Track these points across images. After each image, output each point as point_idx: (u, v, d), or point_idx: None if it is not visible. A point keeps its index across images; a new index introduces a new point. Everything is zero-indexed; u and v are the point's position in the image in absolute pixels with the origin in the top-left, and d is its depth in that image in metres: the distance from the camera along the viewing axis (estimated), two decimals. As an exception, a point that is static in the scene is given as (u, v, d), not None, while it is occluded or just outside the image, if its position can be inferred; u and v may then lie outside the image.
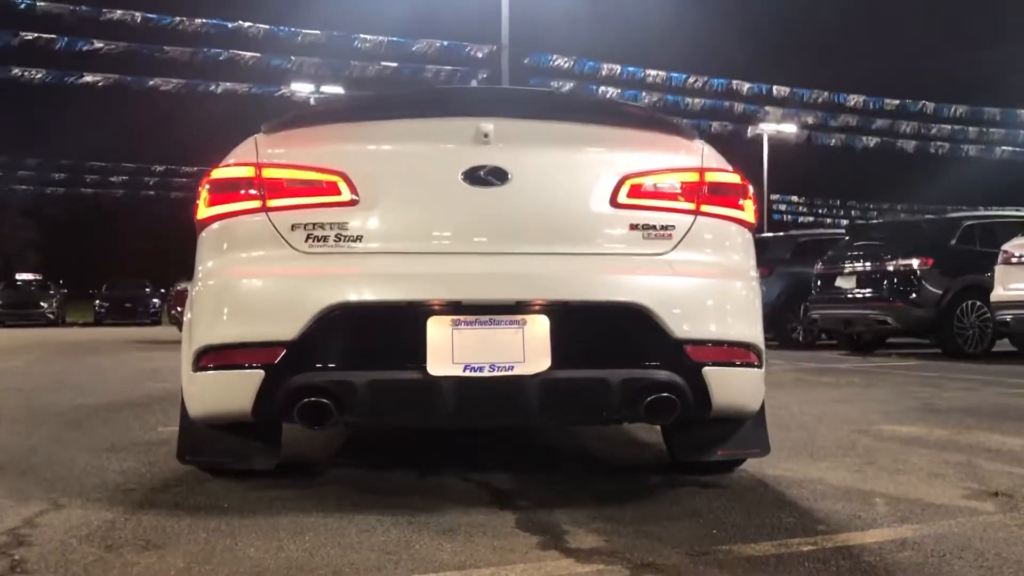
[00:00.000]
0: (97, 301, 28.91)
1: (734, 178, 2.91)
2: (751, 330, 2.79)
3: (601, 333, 2.61)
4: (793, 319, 13.37)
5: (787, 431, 4.51)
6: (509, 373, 2.52)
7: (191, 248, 2.87)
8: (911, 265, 10.92)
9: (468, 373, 2.51)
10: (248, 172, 2.71)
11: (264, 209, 2.67)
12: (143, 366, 9.59)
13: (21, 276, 37.90)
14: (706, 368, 2.65)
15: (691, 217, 2.77)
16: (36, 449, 3.90)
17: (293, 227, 2.64)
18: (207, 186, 2.75)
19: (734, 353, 2.73)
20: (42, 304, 27.12)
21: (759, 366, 2.81)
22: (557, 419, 3.22)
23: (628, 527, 2.56)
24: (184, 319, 2.80)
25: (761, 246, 14.68)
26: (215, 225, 2.73)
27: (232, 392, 2.60)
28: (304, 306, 2.53)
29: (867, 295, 11.25)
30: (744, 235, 2.91)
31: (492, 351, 2.53)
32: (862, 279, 11.37)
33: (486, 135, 2.69)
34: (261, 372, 2.54)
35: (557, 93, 2.84)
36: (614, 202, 2.71)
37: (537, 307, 2.56)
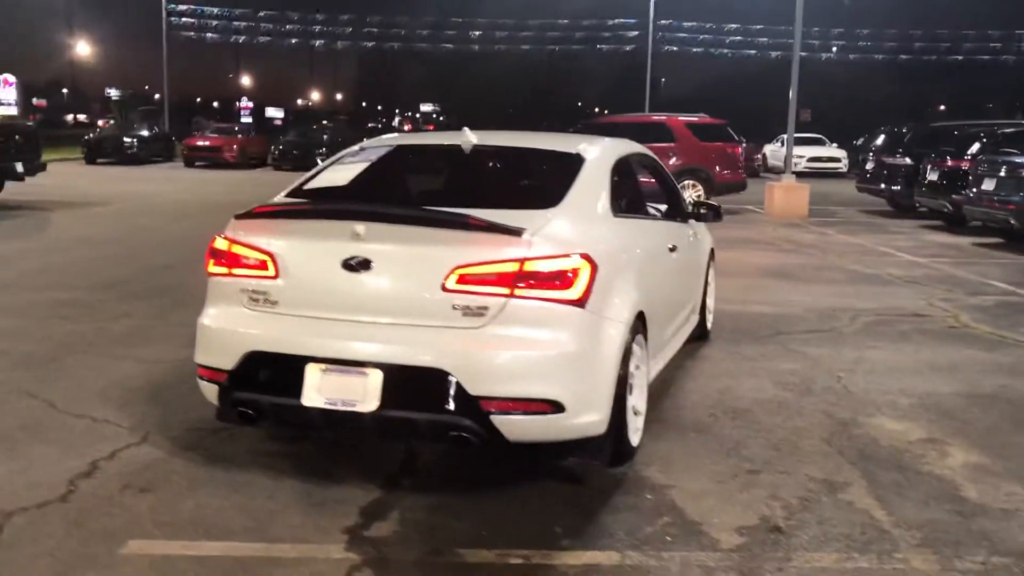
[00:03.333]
0: None
1: (562, 264, 3.67)
2: (549, 388, 3.60)
3: (416, 386, 3.62)
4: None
5: (791, 414, 5.11)
6: (352, 409, 3.67)
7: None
8: None
9: (327, 406, 3.69)
10: (226, 246, 4.02)
11: (231, 275, 3.99)
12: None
13: (424, 107, 43.20)
14: (494, 416, 3.58)
15: (504, 300, 3.62)
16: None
17: (242, 290, 3.94)
18: (209, 250, 4.11)
19: (526, 405, 3.60)
20: (321, 149, 30.95)
21: (557, 412, 3.64)
22: (390, 439, 4.32)
23: (430, 519, 3.66)
24: None
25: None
26: (211, 280, 4.10)
27: (210, 393, 4.03)
28: (239, 348, 3.84)
29: None
30: (560, 311, 3.67)
31: (344, 392, 3.67)
32: None
33: (359, 234, 3.74)
34: (216, 386, 3.94)
35: (419, 209, 3.63)
36: (443, 287, 3.62)
37: (375, 364, 3.66)
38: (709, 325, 6.98)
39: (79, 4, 69.59)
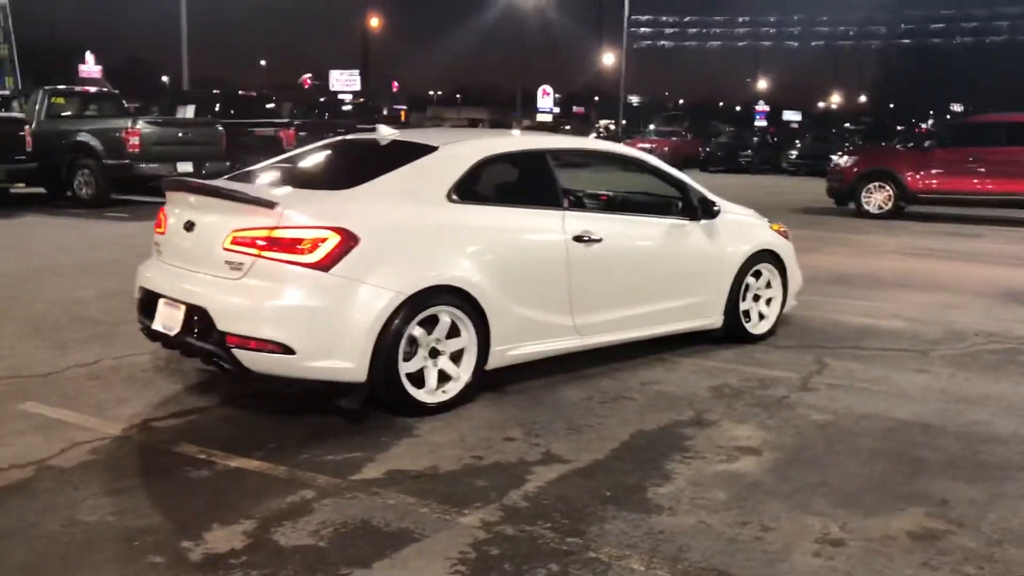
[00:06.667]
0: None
1: (306, 233, 4.51)
2: (276, 332, 4.44)
3: (195, 319, 4.71)
4: None
5: (668, 411, 5.21)
6: (170, 333, 4.89)
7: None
8: None
9: (161, 329, 4.97)
10: (159, 209, 5.51)
11: (155, 231, 5.45)
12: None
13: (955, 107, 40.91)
14: (235, 349, 4.54)
15: (253, 259, 4.55)
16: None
17: (155, 243, 5.39)
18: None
19: (259, 344, 4.48)
20: (747, 151, 31.13)
21: (287, 354, 4.48)
22: (188, 356, 5.18)
23: (207, 424, 4.74)
24: None
25: None
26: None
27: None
28: (138, 284, 5.31)
29: None
30: (299, 271, 4.48)
31: (169, 321, 4.90)
32: None
33: (191, 204, 4.94)
34: (137, 311, 5.44)
35: (216, 187, 4.35)
36: (222, 246, 4.67)
37: (181, 302, 4.84)
38: (758, 330, 6.79)
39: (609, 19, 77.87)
